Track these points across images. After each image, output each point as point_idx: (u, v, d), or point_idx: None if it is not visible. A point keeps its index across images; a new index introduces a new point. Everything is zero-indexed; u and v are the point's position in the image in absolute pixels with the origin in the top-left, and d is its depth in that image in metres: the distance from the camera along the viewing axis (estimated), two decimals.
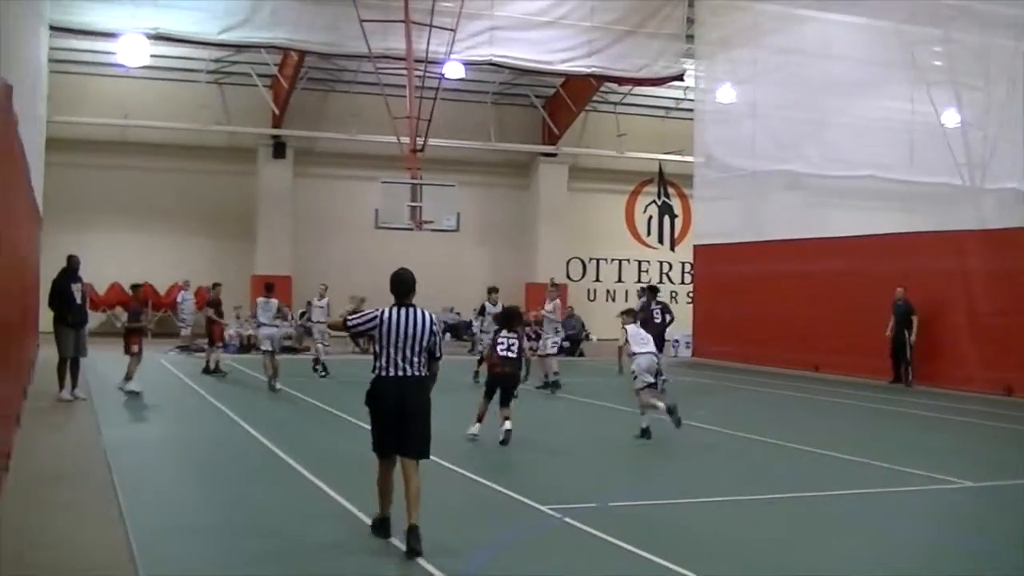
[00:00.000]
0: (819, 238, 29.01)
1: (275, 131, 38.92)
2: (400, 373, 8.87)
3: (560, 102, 41.33)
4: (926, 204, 25.74)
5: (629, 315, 16.32)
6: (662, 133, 42.91)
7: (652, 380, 15.34)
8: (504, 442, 14.25)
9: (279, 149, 39.20)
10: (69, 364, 18.34)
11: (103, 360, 23.35)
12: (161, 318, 37.21)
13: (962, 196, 24.86)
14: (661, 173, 44.17)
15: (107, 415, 16.84)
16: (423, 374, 8.94)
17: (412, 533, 8.52)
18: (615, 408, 18.74)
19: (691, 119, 36.13)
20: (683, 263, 44.59)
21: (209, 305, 25.19)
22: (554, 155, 42.76)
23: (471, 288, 40.46)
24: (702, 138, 34.70)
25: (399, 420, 8.81)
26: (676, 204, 45.62)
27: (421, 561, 8.33)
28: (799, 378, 26.82)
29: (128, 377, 19.79)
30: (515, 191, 43.51)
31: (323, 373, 24.36)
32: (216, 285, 25.90)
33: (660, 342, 21.91)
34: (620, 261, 45.61)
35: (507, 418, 14.54)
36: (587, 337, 37.18)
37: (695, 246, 35.93)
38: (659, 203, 45.53)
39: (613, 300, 44.31)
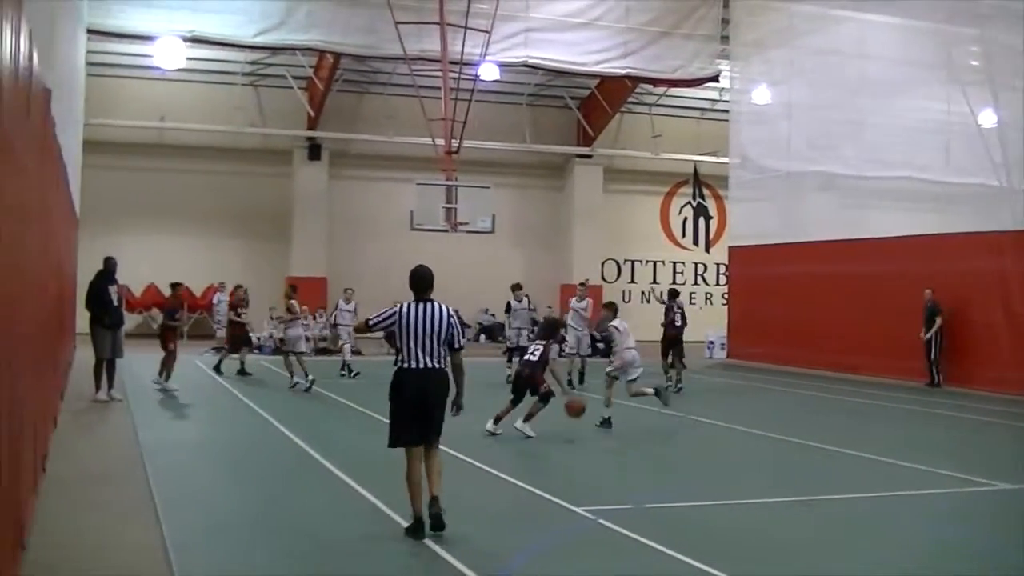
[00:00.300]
0: (855, 239, 28.84)
1: (310, 133, 39.06)
2: (421, 365, 9.20)
3: (595, 103, 41.29)
4: (963, 205, 25.50)
5: (610, 309, 16.96)
6: (697, 134, 42.80)
7: (639, 372, 16.65)
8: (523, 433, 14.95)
9: (314, 151, 39.34)
10: (105, 365, 18.51)
11: (139, 361, 23.49)
12: (197, 320, 37.48)
13: (999, 197, 24.58)
14: (696, 174, 44.16)
15: (143, 416, 16.91)
16: (443, 366, 9.29)
17: (434, 502, 9.05)
18: (645, 408, 18.53)
19: (726, 120, 36.12)
20: (718, 264, 44.54)
21: (231, 307, 25.35)
22: (589, 156, 42.73)
23: (506, 289, 40.45)
24: (737, 139, 34.64)
25: (422, 410, 9.20)
26: (711, 205, 45.59)
27: (458, 564, 8.38)
28: (833, 380, 26.69)
29: (164, 374, 20.22)
30: (550, 192, 43.52)
31: (352, 374, 24.46)
32: (238, 287, 26.04)
33: (679, 346, 23.13)
34: (655, 263, 45.54)
35: (530, 415, 15.10)
36: None
37: (730, 247, 35.84)
38: (694, 204, 45.55)
39: (648, 302, 44.23)
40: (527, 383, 15.39)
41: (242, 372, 24.21)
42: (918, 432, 17.74)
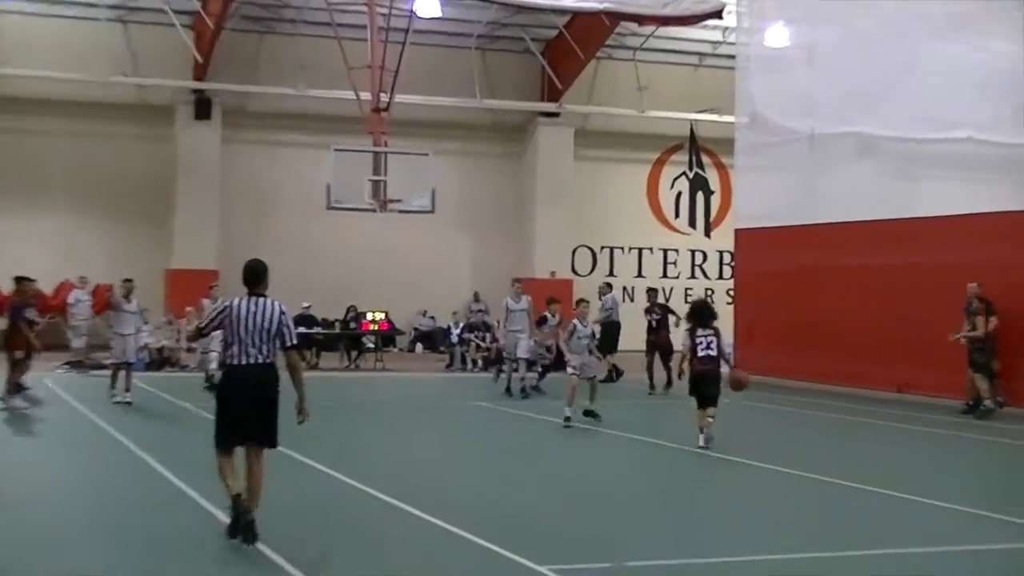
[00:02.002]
0: (900, 219, 28.58)
1: (198, 84, 38.95)
2: (251, 361, 10.89)
3: (564, 48, 41.17)
4: None
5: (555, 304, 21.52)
6: (694, 87, 42.99)
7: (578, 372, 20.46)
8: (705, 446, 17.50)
9: (203, 107, 39.19)
10: None
11: None
12: (46, 325, 36.45)
13: None
14: (693, 137, 44.11)
15: None
16: (273, 362, 11.01)
17: (250, 526, 10.64)
18: (636, 439, 19.24)
19: (731, 68, 35.99)
20: (721, 252, 44.67)
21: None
22: (556, 115, 42.82)
23: (449, 286, 40.60)
24: (746, 92, 34.48)
25: (250, 408, 10.94)
26: (712, 177, 45.64)
27: None
28: (873, 400, 26.70)
29: (11, 389, 20.83)
30: (507, 161, 43.62)
31: (208, 386, 24.28)
32: (22, 280, 23.19)
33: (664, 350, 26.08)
34: (640, 250, 45.65)
35: (710, 418, 17.74)
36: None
37: (736, 230, 35.64)
38: (690, 176, 45.57)
39: (631, 300, 44.02)
40: (714, 379, 17.84)
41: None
42: (976, 466, 18.06)
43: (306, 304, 34.09)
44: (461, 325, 35.48)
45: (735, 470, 16.63)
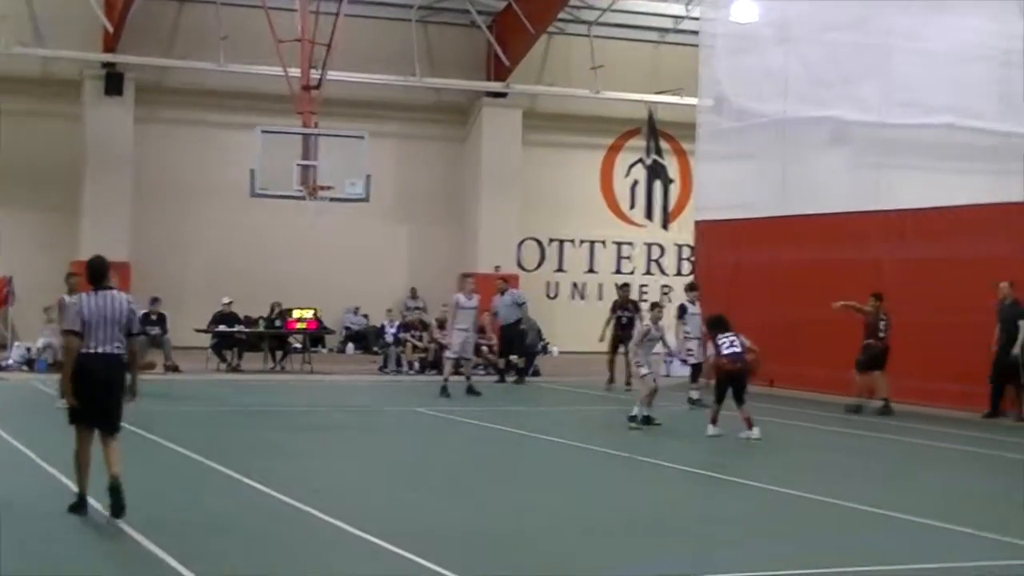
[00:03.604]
0: (878, 211, 28.74)
1: (108, 56, 38.49)
2: (102, 350, 12.81)
3: (512, 21, 40.95)
4: None
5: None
6: (654, 66, 43.01)
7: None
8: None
9: (114, 82, 38.68)
10: None
11: None
12: None
13: None
14: (652, 121, 44.04)
15: None
16: (122, 351, 12.97)
17: (115, 485, 12.52)
18: (593, 450, 19.37)
19: (694, 46, 36.11)
20: (680, 246, 44.61)
21: None
22: (503, 95, 42.72)
23: (384, 281, 40.43)
24: (710, 73, 34.60)
25: (101, 392, 12.84)
26: (672, 164, 45.50)
27: None
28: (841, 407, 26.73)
29: None
30: (449, 145, 43.51)
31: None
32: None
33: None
34: (592, 244, 45.56)
35: (747, 420, 20.29)
36: (544, 349, 37.37)
37: (697, 223, 35.74)
38: (648, 163, 45.33)
39: (582, 297, 44.19)
40: (742, 377, 20.30)
41: None
42: (982, 486, 17.96)
43: (227, 300, 33.73)
44: (396, 324, 35.22)
45: (702, 486, 16.85)
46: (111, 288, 13.07)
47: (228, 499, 14.46)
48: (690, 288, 28.44)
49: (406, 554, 11.32)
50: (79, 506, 12.88)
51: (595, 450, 19.50)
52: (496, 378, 31.26)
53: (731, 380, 20.34)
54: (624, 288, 31.62)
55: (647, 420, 21.52)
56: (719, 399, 20.54)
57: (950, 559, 12.28)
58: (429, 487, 15.86)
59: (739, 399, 20.39)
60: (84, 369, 12.77)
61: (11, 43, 36.69)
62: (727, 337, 20.51)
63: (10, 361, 30.20)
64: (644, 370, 21.76)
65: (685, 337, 27.53)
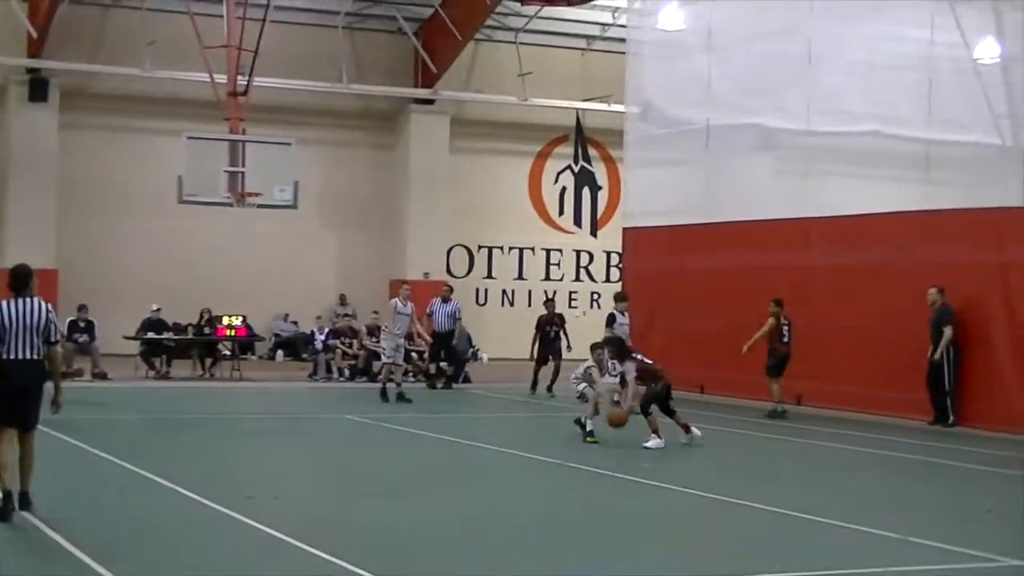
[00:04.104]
0: (805, 219, 28.87)
1: (32, 61, 38.26)
2: (21, 356, 13.32)
3: (440, 27, 40.94)
4: (953, 171, 25.82)
5: None
6: (582, 72, 43.13)
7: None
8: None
9: (38, 88, 38.43)
10: None
11: None
12: None
13: (1001, 160, 24.80)
14: (580, 128, 44.31)
15: None
16: (42, 357, 13.47)
17: (24, 497, 13.25)
18: (520, 455, 19.61)
19: (622, 53, 36.21)
20: (608, 253, 44.74)
21: None
22: (431, 102, 42.67)
23: (313, 287, 40.36)
24: (637, 80, 34.69)
25: (20, 396, 13.39)
26: (600, 171, 45.79)
27: None
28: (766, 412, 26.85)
29: None
30: (377, 152, 43.41)
31: None
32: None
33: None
34: (522, 250, 45.60)
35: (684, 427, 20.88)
36: (475, 356, 37.23)
37: (625, 229, 35.82)
38: (576, 169, 45.63)
39: (512, 304, 44.20)
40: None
41: None
42: (915, 491, 18.11)
43: (155, 307, 33.62)
44: (326, 330, 35.28)
45: (641, 494, 16.75)
46: (32, 296, 13.44)
47: (156, 505, 14.54)
48: (619, 298, 28.60)
49: (334, 559, 11.45)
50: (4, 503, 13.12)
51: (522, 456, 19.61)
52: (425, 384, 31.48)
53: (655, 397, 20.59)
54: (550, 303, 32.25)
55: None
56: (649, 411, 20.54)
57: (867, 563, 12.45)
58: (358, 492, 16.02)
59: (670, 412, 20.82)
60: (3, 374, 13.26)
61: None
62: (637, 358, 20.88)
63: None
64: (581, 386, 22.25)
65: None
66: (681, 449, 20.55)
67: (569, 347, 30.86)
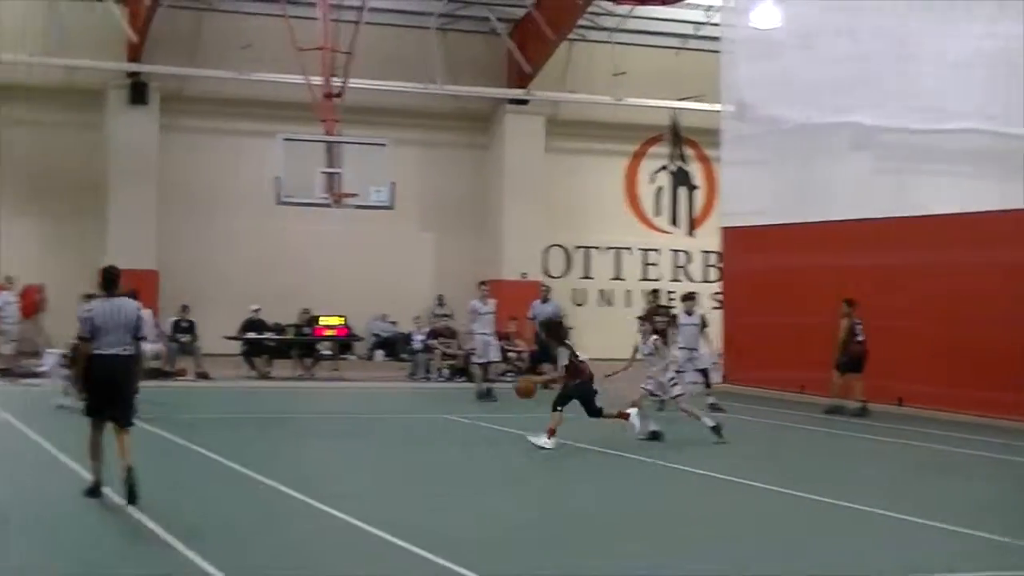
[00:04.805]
0: (902, 217, 28.71)
1: (132, 66, 38.67)
2: (112, 352, 14.10)
3: (533, 28, 41.09)
4: None
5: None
6: (676, 72, 42.86)
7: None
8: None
9: (138, 92, 38.89)
10: None
11: None
12: None
13: None
14: (675, 128, 44.11)
15: None
16: (131, 353, 14.30)
17: (129, 473, 13.75)
18: (619, 456, 19.29)
19: (716, 52, 36.24)
20: (706, 253, 44.80)
21: None
22: (525, 102, 42.73)
23: (411, 288, 40.49)
24: (732, 78, 34.79)
25: (110, 389, 14.24)
26: (696, 171, 45.83)
27: None
28: (879, 415, 26.57)
29: None
30: (472, 152, 43.60)
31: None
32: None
33: None
34: (619, 250, 45.64)
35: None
36: None
37: (723, 229, 35.94)
38: (672, 169, 45.63)
39: (609, 304, 44.19)
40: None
41: None
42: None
43: (255, 307, 34.02)
44: (425, 331, 35.38)
45: (728, 492, 16.80)
46: (121, 295, 14.35)
47: (256, 503, 14.88)
48: (686, 298, 28.24)
49: (433, 557, 11.57)
50: (94, 490, 14.24)
51: (621, 456, 19.42)
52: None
53: (569, 395, 20.21)
54: (654, 295, 31.68)
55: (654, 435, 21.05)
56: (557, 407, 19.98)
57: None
58: (454, 490, 16.22)
59: (596, 412, 20.36)
60: (95, 368, 14.17)
61: (36, 53, 36.92)
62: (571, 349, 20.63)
63: (44, 367, 30.78)
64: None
65: (678, 348, 27.04)
66: (769, 448, 20.65)
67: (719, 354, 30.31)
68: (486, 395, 28.04)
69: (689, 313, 27.14)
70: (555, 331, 21.53)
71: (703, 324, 27.30)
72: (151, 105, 39.06)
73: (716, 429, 20.67)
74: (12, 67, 37.38)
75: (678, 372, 22.48)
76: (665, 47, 43.74)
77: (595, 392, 20.28)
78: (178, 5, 38.82)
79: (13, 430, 21.63)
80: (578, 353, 20.64)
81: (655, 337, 21.78)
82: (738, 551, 12.64)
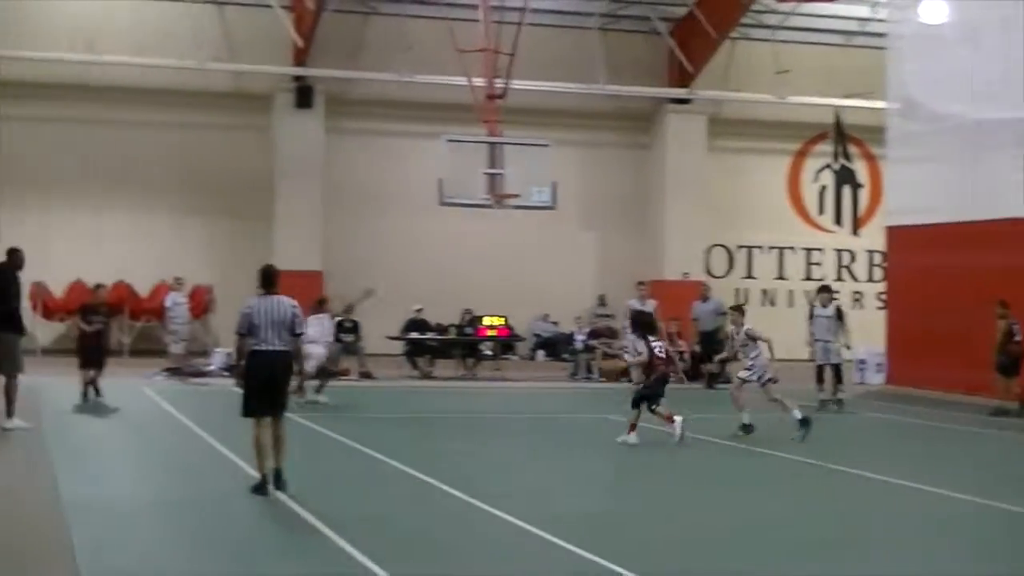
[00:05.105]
0: None
1: (298, 70, 39.27)
2: (269, 347, 14.73)
3: (695, 27, 41.14)
4: None
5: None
6: (840, 69, 42.47)
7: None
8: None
9: (304, 95, 39.47)
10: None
11: (59, 386, 24.71)
12: (143, 329, 37.51)
13: None
14: (839, 125, 43.92)
15: (66, 461, 17.24)
16: (288, 348, 14.93)
17: (278, 475, 14.64)
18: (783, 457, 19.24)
19: (882, 48, 35.90)
20: (871, 252, 44.51)
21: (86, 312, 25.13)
22: (687, 101, 42.72)
23: (572, 288, 40.58)
24: (898, 75, 34.37)
25: (270, 384, 14.80)
26: (860, 169, 45.49)
27: None
28: None
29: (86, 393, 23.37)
30: (633, 152, 43.60)
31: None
32: (98, 287, 26.65)
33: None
34: (782, 250, 45.53)
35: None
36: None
37: (888, 228, 35.51)
38: (836, 168, 45.39)
39: (772, 304, 43.99)
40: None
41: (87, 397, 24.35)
42: None
43: (417, 307, 34.38)
44: (586, 331, 35.42)
45: (911, 499, 16.48)
46: (277, 294, 14.89)
47: (419, 502, 14.95)
48: (821, 290, 28.64)
49: (596, 558, 11.58)
50: (260, 487, 14.63)
51: (785, 457, 19.41)
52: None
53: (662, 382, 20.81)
54: (826, 290, 30.12)
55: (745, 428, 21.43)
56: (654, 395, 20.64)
57: None
58: (619, 492, 16.41)
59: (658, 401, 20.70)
60: (254, 364, 14.81)
61: (206, 59, 37.50)
62: (656, 341, 21.12)
63: (212, 367, 31.35)
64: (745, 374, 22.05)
65: (813, 340, 27.58)
66: (935, 449, 20.59)
67: (847, 346, 28.95)
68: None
69: (824, 305, 27.48)
70: (639, 324, 21.71)
71: (839, 316, 27.41)
72: (316, 108, 39.64)
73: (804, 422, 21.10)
74: (184, 72, 38.07)
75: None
76: (829, 44, 43.58)
77: (662, 389, 20.77)
78: (342, 10, 39.34)
79: (181, 427, 22.04)
80: (658, 348, 20.95)
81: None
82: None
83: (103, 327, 24.86)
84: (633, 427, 20.33)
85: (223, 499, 14.95)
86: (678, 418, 20.24)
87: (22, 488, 15.55)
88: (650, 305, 28.65)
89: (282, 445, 14.83)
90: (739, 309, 23.57)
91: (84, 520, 13.13)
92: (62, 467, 16.69)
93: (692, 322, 31.90)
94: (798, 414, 21.08)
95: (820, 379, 27.37)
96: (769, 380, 21.65)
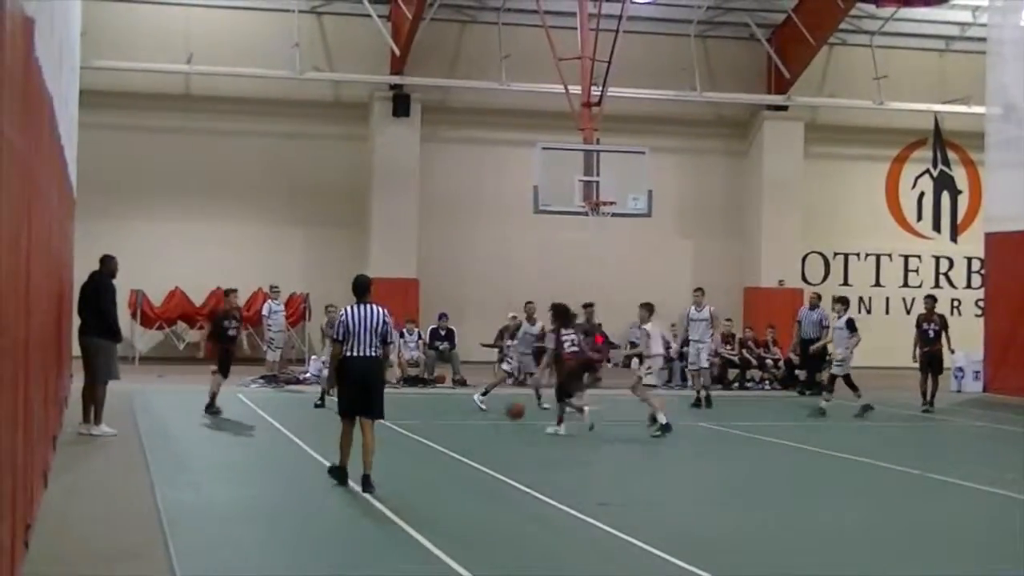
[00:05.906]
0: None
1: (395, 79, 39.40)
2: (362, 354, 15.51)
3: (793, 33, 41.00)
4: None
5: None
6: (940, 74, 42.46)
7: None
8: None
9: (401, 103, 39.58)
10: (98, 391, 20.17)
11: (158, 393, 25.29)
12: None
13: None
14: (938, 131, 43.60)
15: (162, 467, 17.52)
16: (379, 355, 15.72)
17: (367, 480, 15.25)
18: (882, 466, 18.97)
19: (982, 53, 35.75)
20: (969, 259, 44.11)
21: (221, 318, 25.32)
22: (785, 108, 42.61)
23: (668, 296, 40.22)
24: (998, 80, 34.28)
25: (362, 388, 15.59)
26: (960, 175, 44.99)
27: None
28: None
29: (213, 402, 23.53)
30: (729, 159, 43.52)
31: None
32: (229, 292, 26.34)
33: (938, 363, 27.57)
34: (879, 257, 45.17)
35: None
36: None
37: (988, 234, 35.40)
38: (935, 174, 44.93)
39: (868, 311, 43.59)
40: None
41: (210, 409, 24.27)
42: None
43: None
44: (681, 339, 35.22)
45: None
46: (370, 302, 15.72)
47: (512, 510, 15.13)
48: (836, 301, 28.64)
49: (690, 567, 11.70)
50: (339, 473, 15.78)
51: (884, 467, 19.29)
52: (778, 391, 31.60)
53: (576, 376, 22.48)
54: (929, 300, 30.33)
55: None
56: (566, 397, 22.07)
57: None
58: (711, 499, 16.42)
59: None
60: (347, 369, 15.60)
61: (306, 68, 37.89)
62: (569, 335, 22.42)
63: (308, 374, 31.55)
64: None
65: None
66: None
67: (951, 350, 29.67)
68: (697, 403, 28.30)
69: (839, 315, 27.61)
70: (556, 315, 22.78)
71: (850, 327, 27.25)
72: (413, 116, 39.73)
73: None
74: (283, 82, 38.47)
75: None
76: (929, 49, 43.33)
77: (578, 383, 22.73)
78: (440, 18, 39.48)
79: (277, 433, 22.29)
80: (568, 342, 22.29)
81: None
82: None
83: (237, 333, 25.24)
84: (560, 420, 21.89)
85: (318, 503, 15.11)
86: (587, 408, 22.10)
87: (120, 492, 15.73)
88: (704, 311, 29.01)
89: (370, 450, 15.32)
90: (843, 300, 26.37)
91: (181, 522, 13.36)
92: (159, 472, 16.93)
93: (795, 324, 31.70)
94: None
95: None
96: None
